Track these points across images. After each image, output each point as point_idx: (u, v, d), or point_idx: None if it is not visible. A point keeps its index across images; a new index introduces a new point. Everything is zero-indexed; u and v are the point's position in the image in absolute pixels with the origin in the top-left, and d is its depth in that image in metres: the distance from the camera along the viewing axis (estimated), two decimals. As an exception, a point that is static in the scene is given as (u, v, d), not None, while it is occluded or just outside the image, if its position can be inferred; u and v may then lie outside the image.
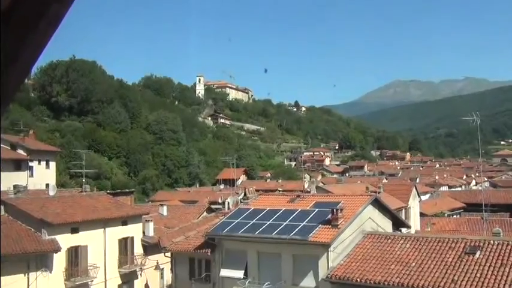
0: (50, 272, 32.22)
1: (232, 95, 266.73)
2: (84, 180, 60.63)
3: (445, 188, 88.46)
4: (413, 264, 22.54)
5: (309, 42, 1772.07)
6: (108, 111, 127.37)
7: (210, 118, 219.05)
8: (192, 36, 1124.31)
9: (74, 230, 34.46)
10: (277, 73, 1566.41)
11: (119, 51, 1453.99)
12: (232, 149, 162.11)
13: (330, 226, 24.91)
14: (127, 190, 53.03)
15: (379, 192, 40.56)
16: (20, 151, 63.17)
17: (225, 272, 27.16)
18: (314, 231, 24.77)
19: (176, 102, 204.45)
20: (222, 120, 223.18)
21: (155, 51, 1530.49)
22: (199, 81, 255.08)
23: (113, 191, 51.25)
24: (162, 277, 42.66)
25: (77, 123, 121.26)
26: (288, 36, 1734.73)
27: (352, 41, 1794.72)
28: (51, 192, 39.85)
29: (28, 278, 30.84)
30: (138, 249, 39.91)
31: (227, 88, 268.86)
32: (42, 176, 64.12)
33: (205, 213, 51.18)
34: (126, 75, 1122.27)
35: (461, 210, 62.40)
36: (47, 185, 52.89)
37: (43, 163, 66.83)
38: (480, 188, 74.32)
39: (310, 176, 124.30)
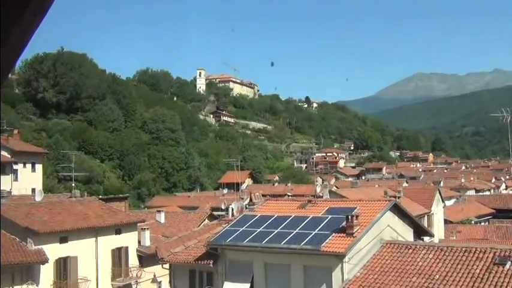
0: (37, 286, 32.34)
1: (236, 90, 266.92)
2: (73, 184, 60.87)
3: (471, 193, 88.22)
4: (437, 276, 22.47)
5: (320, 33, 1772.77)
6: (100, 109, 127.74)
7: (211, 116, 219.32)
8: (191, 27, 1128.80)
9: (63, 240, 34.57)
10: (286, 66, 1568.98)
11: (111, 43, 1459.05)
12: (237, 149, 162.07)
13: (345, 234, 24.88)
14: (121, 195, 53.18)
15: (398, 197, 40.47)
16: (4, 153, 63.35)
17: (228, 286, 27.17)
18: (327, 240, 24.75)
19: (175, 98, 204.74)
20: (225, 118, 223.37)
21: (151, 42, 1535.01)
22: (199, 75, 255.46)
23: (105, 197, 51.39)
24: (159, 291, 42.72)
25: (66, 121, 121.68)
26: (296, 27, 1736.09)
27: (368, 31, 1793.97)
28: (38, 198, 39.99)
29: (13, 292, 30.95)
30: (133, 260, 40.00)
31: (230, 82, 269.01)
32: (28, 180, 64.34)
33: (206, 220, 51.20)
34: (119, 69, 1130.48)
35: (490, 217, 62.21)
36: (33, 190, 53.03)
37: (29, 166, 67.08)
38: (511, 192, 74.09)
39: (323, 180, 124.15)
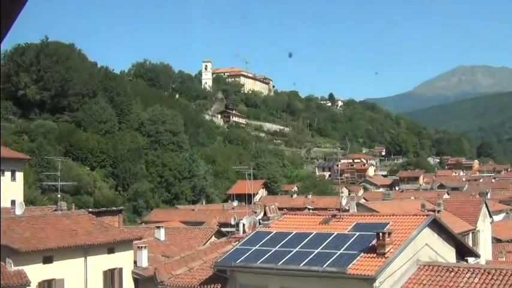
0: (17, 313, 32.47)
1: (248, 85, 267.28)
2: (59, 195, 61.02)
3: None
4: (484, 304, 22.32)
5: (345, 21, 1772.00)
6: (90, 108, 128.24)
7: (219, 116, 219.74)
8: (196, 12, 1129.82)
9: (47, 260, 34.71)
10: (305, 59, 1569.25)
11: (102, 32, 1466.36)
12: (249, 155, 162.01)
13: (375, 255, 24.78)
14: (114, 208, 53.29)
15: (438, 211, 40.30)
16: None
17: (239, 314, 27.16)
18: (354, 261, 24.67)
19: (177, 96, 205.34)
20: (235, 119, 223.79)
21: (149, 30, 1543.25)
22: (205, 69, 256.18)
23: (96, 210, 51.55)
24: (158, 320, 42.78)
25: (51, 122, 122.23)
26: (318, 14, 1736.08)
27: (401, 18, 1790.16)
28: (18, 211, 40.20)
29: (-11, 320, 31.13)
30: (128, 283, 40.08)
31: (241, 77, 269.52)
32: (7, 190, 64.58)
33: (213, 237, 51.22)
34: (112, 61, 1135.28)
35: (547, 235, 61.68)
36: (13, 202, 53.28)
37: (8, 174, 67.41)
38: None
39: (349, 190, 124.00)
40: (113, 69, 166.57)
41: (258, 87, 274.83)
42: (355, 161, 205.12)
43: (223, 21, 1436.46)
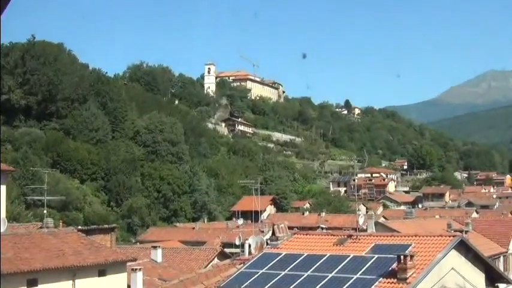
0: None
1: (256, 91, 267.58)
2: (45, 211, 61.17)
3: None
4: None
5: (363, 21, 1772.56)
6: (81, 114, 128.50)
7: (223, 124, 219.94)
8: (198, 10, 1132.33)
9: (31, 283, 34.69)
10: (319, 62, 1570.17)
11: (95, 31, 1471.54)
12: (256, 168, 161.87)
13: (396, 280, 24.71)
14: (106, 226, 53.23)
15: (466, 232, 40.14)
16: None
17: None
18: (372, 287, 24.60)
19: (176, 102, 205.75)
20: (241, 127, 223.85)
21: (146, 30, 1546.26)
22: (208, 72, 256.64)
23: (86, 227, 51.53)
24: None
25: (37, 130, 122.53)
26: (333, 15, 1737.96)
27: (426, 19, 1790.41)
28: (0, 229, 40.24)
29: None
30: (121, 310, 40.02)
31: (248, 81, 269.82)
32: (-12, 205, 64.80)
33: (216, 259, 51.14)
34: (105, 63, 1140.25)
35: None
36: (-6, 218, 53.39)
37: (-11, 187, 67.61)
38: None
39: (367, 208, 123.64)
40: (106, 72, 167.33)
41: (267, 92, 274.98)
42: (374, 175, 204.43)
43: (228, 20, 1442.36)
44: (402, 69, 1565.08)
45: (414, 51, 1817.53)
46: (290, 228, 67.66)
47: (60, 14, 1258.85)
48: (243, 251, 47.11)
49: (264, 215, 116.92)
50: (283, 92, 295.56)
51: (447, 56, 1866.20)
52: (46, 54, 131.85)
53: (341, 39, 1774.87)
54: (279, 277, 27.17)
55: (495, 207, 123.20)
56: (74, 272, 36.96)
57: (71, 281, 36.82)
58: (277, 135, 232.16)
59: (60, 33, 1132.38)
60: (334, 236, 32.14)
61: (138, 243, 77.44)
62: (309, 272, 26.97)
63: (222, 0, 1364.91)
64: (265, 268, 28.22)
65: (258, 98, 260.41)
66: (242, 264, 31.36)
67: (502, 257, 45.63)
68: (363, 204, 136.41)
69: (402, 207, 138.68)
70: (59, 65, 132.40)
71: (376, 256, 26.99)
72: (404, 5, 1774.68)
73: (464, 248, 28.85)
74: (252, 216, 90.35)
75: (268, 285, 26.82)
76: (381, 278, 25.11)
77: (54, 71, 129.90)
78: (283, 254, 29.45)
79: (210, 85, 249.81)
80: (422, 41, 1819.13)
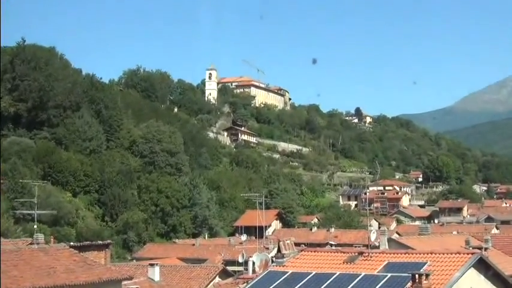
0: None
1: (260, 98, 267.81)
2: (36, 226, 61.25)
3: None
4: None
5: (376, 26, 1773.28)
6: (73, 123, 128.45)
7: (226, 133, 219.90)
8: (199, 13, 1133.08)
9: (20, 302, 34.69)
10: (328, 68, 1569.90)
11: (88, 34, 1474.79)
12: (260, 180, 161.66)
13: (410, 300, 24.68)
14: (100, 242, 53.24)
15: (486, 249, 40.07)
16: None
17: None
18: (385, 307, 24.56)
19: (175, 109, 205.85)
20: (245, 137, 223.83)
21: (143, 33, 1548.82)
22: (209, 78, 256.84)
23: (78, 244, 51.53)
24: None
25: (27, 140, 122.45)
26: (341, 17, 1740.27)
27: (442, 23, 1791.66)
28: (-12, 244, 40.24)
29: None
30: (116, 332, 39.97)
31: (252, 88, 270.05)
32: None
33: (217, 278, 51.12)
34: (100, 68, 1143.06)
35: None
36: (-19, 234, 53.44)
37: (-25, 200, 67.61)
38: None
39: (379, 223, 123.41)
40: (101, 78, 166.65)
41: (272, 99, 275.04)
42: (387, 188, 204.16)
43: (231, 22, 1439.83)
44: (417, 75, 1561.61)
45: (429, 57, 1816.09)
46: (297, 244, 67.58)
47: (51, 15, 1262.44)
48: (246, 269, 47.15)
49: (269, 231, 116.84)
50: (290, 99, 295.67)
51: (465, 61, 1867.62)
52: (37, 59, 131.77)
53: (351, 45, 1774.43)
54: (285, 297, 27.15)
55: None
56: (65, 291, 36.95)
57: (62, 301, 36.80)
58: (283, 145, 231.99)
59: (51, 36, 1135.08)
60: (344, 253, 32.10)
61: (134, 261, 77.32)
62: (317, 292, 26.93)
63: (224, 2, 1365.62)
64: (271, 287, 28.20)
65: (262, 105, 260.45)
66: (246, 284, 31.37)
67: (524, 276, 45.43)
68: (375, 219, 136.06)
69: (417, 223, 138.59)
70: (50, 70, 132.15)
71: (389, 275, 26.97)
72: (420, 10, 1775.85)
73: (484, 266, 28.79)
74: (256, 231, 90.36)
75: (274, 305, 26.80)
76: (395, 298, 25.07)
77: (45, 76, 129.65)
78: (289, 273, 29.42)
79: (211, 92, 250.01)
80: (438, 46, 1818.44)
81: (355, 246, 40.31)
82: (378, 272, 27.79)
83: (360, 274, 27.74)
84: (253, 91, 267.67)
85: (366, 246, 40.75)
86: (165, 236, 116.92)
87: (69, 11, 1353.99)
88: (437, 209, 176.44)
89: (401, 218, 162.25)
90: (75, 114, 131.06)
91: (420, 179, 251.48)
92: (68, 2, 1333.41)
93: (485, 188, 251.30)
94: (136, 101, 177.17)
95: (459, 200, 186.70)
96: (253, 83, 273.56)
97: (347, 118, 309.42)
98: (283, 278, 29.13)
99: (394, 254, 31.88)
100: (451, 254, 29.70)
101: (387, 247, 42.34)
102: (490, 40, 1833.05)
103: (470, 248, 40.14)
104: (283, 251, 50.78)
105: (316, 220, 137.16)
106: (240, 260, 56.01)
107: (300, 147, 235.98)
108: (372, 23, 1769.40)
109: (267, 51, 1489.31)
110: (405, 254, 32.09)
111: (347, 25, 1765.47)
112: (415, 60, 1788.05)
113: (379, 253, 32.52)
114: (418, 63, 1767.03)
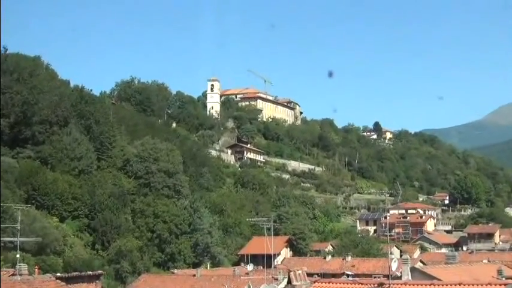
0: None
1: (268, 111, 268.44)
2: (18, 255, 61.18)
3: None
4: None
5: (396, 33, 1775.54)
6: (60, 140, 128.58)
7: (230, 151, 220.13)
8: (201, 17, 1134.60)
9: None
10: (343, 79, 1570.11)
11: (78, 42, 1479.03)
12: (268, 203, 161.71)
13: (436, 337, 24.65)
14: (90, 273, 53.32)
15: (520, 280, 39.92)
16: None
17: None
18: None
19: (174, 125, 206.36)
20: (251, 155, 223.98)
21: (138, 40, 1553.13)
22: (211, 89, 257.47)
23: (66, 275, 51.60)
24: None
25: (9, 159, 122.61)
26: (361, 22, 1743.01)
27: (469, 31, 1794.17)
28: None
29: None
30: None
31: (259, 100, 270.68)
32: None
33: (221, 312, 51.08)
34: (90, 80, 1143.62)
35: None
36: (-42, 263, 53.49)
37: (-49, 226, 67.69)
38: None
39: (401, 251, 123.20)
40: (91, 90, 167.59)
41: (281, 113, 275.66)
42: (409, 211, 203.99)
43: (235, 28, 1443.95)
44: (442, 86, 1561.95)
45: (456, 67, 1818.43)
46: (309, 275, 67.61)
47: (36, 21, 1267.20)
48: (253, 303, 47.04)
49: (278, 260, 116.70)
50: (301, 112, 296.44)
51: (495, 71, 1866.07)
52: (20, 69, 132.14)
53: (370, 53, 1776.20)
54: (296, 334, 27.15)
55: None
56: (52, 327, 36.95)
57: (48, 339, 36.79)
58: (294, 164, 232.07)
59: (36, 44, 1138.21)
60: (362, 284, 32.10)
61: (128, 293, 77.39)
62: (332, 328, 26.95)
63: (228, 5, 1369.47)
64: (280, 323, 28.21)
65: (270, 120, 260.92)
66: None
67: None
68: (396, 246, 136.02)
69: (443, 250, 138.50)
70: (35, 82, 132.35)
71: (413, 308, 26.94)
72: (446, 18, 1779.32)
73: (519, 299, 28.72)
74: (263, 260, 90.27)
75: None
76: (419, 335, 25.06)
77: (30, 88, 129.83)
78: (301, 306, 29.41)
79: (213, 105, 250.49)
80: (464, 56, 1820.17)
81: (375, 277, 40.23)
82: (400, 305, 27.78)
83: (380, 308, 27.73)
84: (259, 104, 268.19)
85: (387, 276, 40.74)
86: (162, 265, 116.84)
87: (55, 16, 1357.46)
88: (466, 234, 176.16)
89: (426, 244, 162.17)
90: (62, 131, 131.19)
91: (446, 202, 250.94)
92: (54, 6, 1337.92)
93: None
94: (130, 115, 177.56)
95: (490, 225, 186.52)
96: (259, 95, 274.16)
97: (364, 134, 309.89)
98: (294, 312, 29.14)
99: (417, 285, 31.88)
100: (482, 285, 29.70)
101: (410, 278, 42.27)
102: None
103: (503, 279, 40.10)
104: (294, 282, 50.82)
105: (330, 247, 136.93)
106: (246, 292, 56.03)
107: (312, 167, 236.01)
108: (393, 31, 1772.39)
109: (275, 59, 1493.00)
110: (430, 285, 32.07)
111: (365, 33, 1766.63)
112: (439, 71, 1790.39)
113: (401, 284, 32.52)
114: (443, 73, 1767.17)
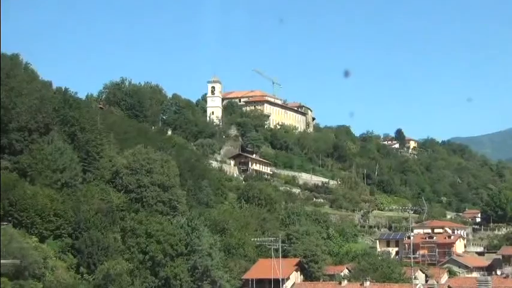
0: None
1: (276, 117, 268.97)
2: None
3: None
4: None
5: (420, 31, 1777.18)
6: (41, 149, 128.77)
7: (233, 162, 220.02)
8: (201, 11, 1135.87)
9: None
10: (361, 81, 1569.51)
11: (60, 39, 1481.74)
12: (276, 221, 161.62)
13: None
14: (74, 299, 53.36)
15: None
16: None
17: None
18: None
19: (169, 132, 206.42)
20: (256, 166, 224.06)
21: (130, 37, 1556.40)
22: (212, 92, 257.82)
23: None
24: None
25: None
26: (379, 18, 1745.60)
27: (503, 27, 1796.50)
28: None
29: None
30: None
31: (266, 104, 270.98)
32: None
33: None
34: (74, 81, 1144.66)
35: None
36: None
37: None
38: None
39: (427, 275, 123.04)
40: (76, 93, 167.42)
41: (291, 119, 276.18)
42: (436, 231, 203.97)
43: (239, 23, 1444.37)
44: (472, 90, 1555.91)
45: (488, 69, 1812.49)
46: (322, 302, 67.59)
47: (14, 16, 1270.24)
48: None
49: (287, 285, 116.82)
50: (313, 118, 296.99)
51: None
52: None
53: (391, 53, 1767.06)
54: None
55: None
56: None
57: None
58: (305, 177, 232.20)
59: (15, 41, 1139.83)
60: (381, 313, 32.01)
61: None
62: None
63: (231, 2, 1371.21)
64: None
65: (278, 126, 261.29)
66: None
67: None
68: (421, 270, 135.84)
69: (474, 274, 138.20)
70: (12, 84, 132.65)
71: None
72: (474, 14, 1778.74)
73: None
74: (270, 286, 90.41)
75: None
76: None
77: (7, 91, 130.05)
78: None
79: (214, 110, 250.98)
80: (498, 57, 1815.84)
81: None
82: (424, 337, 27.71)
83: None
84: (267, 109, 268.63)
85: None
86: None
87: (35, 8, 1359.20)
88: (500, 257, 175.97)
89: (455, 268, 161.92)
90: (43, 139, 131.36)
91: (478, 220, 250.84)
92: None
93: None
94: (120, 121, 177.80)
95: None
96: (267, 98, 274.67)
97: (385, 143, 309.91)
98: None
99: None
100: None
101: (437, 305, 42.22)
102: None
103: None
104: (305, 311, 50.79)
105: (346, 271, 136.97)
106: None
107: (326, 180, 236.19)
108: (416, 28, 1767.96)
109: (284, 58, 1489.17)
110: (460, 314, 32.01)
111: (385, 30, 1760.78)
112: (469, 73, 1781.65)
113: (427, 313, 32.52)
114: (474, 76, 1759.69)
